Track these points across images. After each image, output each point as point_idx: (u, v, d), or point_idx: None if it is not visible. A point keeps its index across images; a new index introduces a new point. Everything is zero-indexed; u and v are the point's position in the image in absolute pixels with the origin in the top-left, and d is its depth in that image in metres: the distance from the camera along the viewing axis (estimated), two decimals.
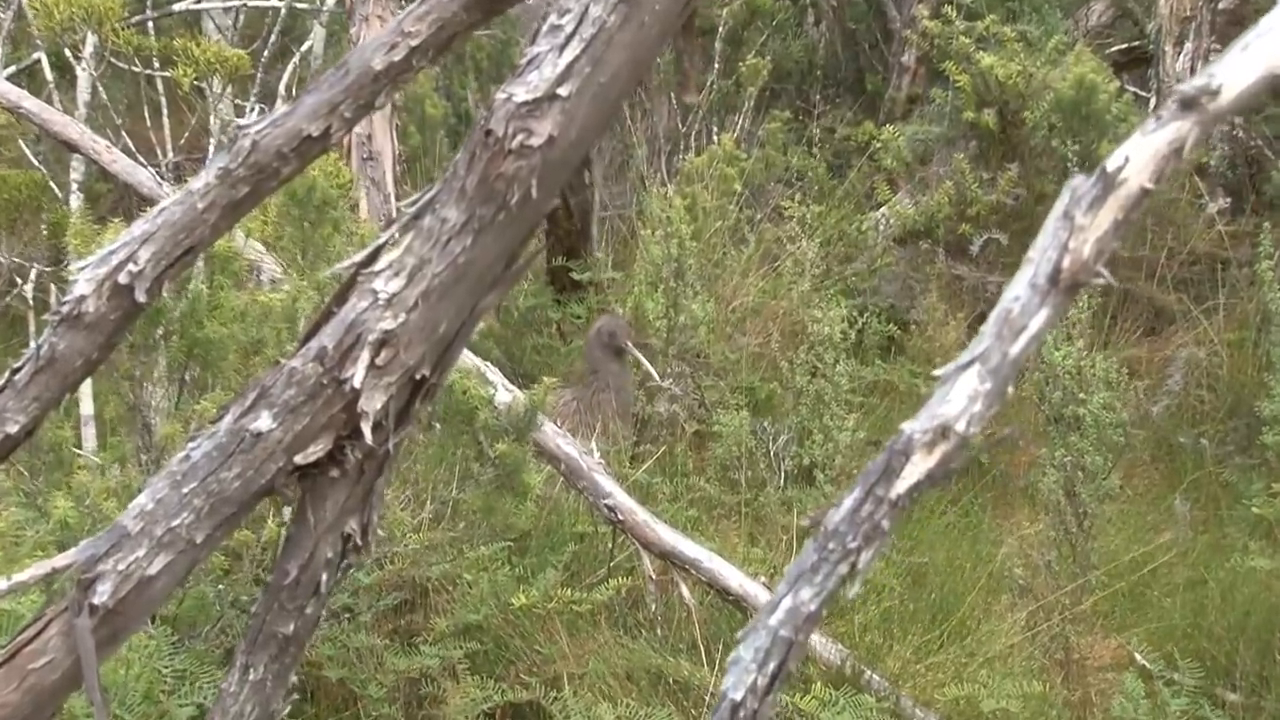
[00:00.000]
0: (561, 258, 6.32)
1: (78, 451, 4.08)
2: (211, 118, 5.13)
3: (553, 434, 4.43)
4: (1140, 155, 1.30)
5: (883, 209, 6.98)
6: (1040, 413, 4.92)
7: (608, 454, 5.00)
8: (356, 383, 1.71)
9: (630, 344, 5.48)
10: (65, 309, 1.80)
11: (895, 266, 6.82)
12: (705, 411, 5.73)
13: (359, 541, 1.81)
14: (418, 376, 1.75)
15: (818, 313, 5.64)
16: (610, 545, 4.44)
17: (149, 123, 6.53)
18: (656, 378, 5.46)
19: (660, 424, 5.63)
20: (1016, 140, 6.63)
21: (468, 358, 4.55)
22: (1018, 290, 1.32)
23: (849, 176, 7.43)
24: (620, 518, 4.26)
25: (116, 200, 6.87)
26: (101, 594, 1.73)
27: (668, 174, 7.35)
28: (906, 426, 1.33)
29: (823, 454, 5.25)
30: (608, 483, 4.34)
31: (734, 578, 4.19)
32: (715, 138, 7.50)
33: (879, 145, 6.99)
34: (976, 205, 6.49)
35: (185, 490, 1.74)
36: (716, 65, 7.74)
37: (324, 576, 1.82)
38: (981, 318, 6.58)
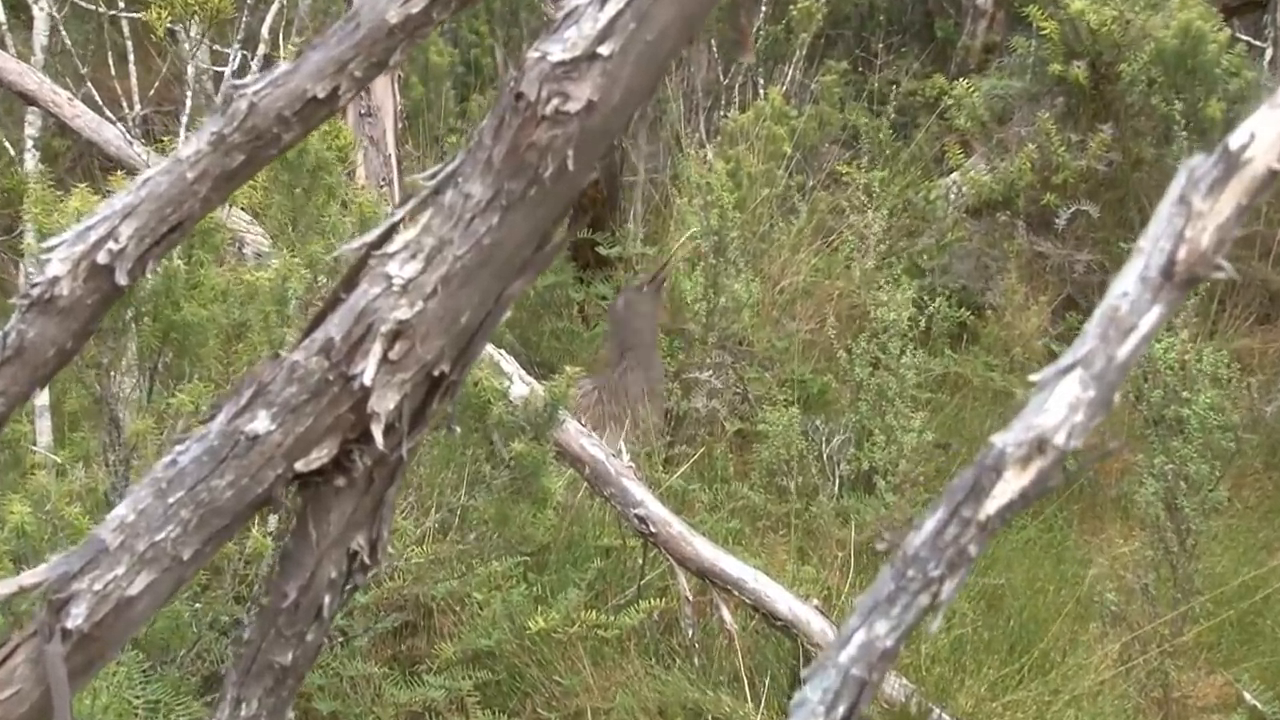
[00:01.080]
0: (586, 230, 6.35)
1: (33, 448, 4.12)
2: (188, 66, 5.16)
3: (576, 432, 4.45)
4: (1268, 131, 1.31)
5: (954, 175, 6.97)
6: (1137, 413, 4.93)
7: (639, 456, 5.03)
8: (367, 380, 1.73)
9: (656, 282, 5.53)
10: (36, 292, 1.82)
11: (968, 242, 6.81)
12: (749, 408, 5.75)
13: (367, 559, 1.84)
14: (436, 373, 1.77)
15: (880, 295, 5.66)
16: (641, 561, 4.46)
17: (113, 71, 6.57)
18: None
19: (698, 422, 5.66)
20: (1110, 97, 6.61)
21: None
22: (1126, 285, 1.33)
23: (916, 137, 7.42)
24: (652, 530, 4.28)
25: (75, 159, 6.92)
26: (75, 617, 1.75)
27: (707, 134, 7.36)
28: (998, 439, 1.34)
29: (884, 458, 5.26)
30: (638, 489, 4.36)
31: (782, 600, 4.21)
32: (762, 92, 7.51)
33: (950, 102, 6.98)
34: (1063, 172, 6.47)
35: (171, 500, 1.76)
36: (764, 8, 7.74)
37: (327, 599, 1.84)
38: (1068, 301, 6.58)
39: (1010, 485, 1.34)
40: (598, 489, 4.42)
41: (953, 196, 6.90)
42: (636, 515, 4.31)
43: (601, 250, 6.32)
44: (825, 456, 5.42)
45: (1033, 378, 1.35)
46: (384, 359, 1.74)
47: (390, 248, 1.75)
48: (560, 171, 1.70)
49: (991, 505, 1.34)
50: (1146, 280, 1.33)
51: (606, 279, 6.33)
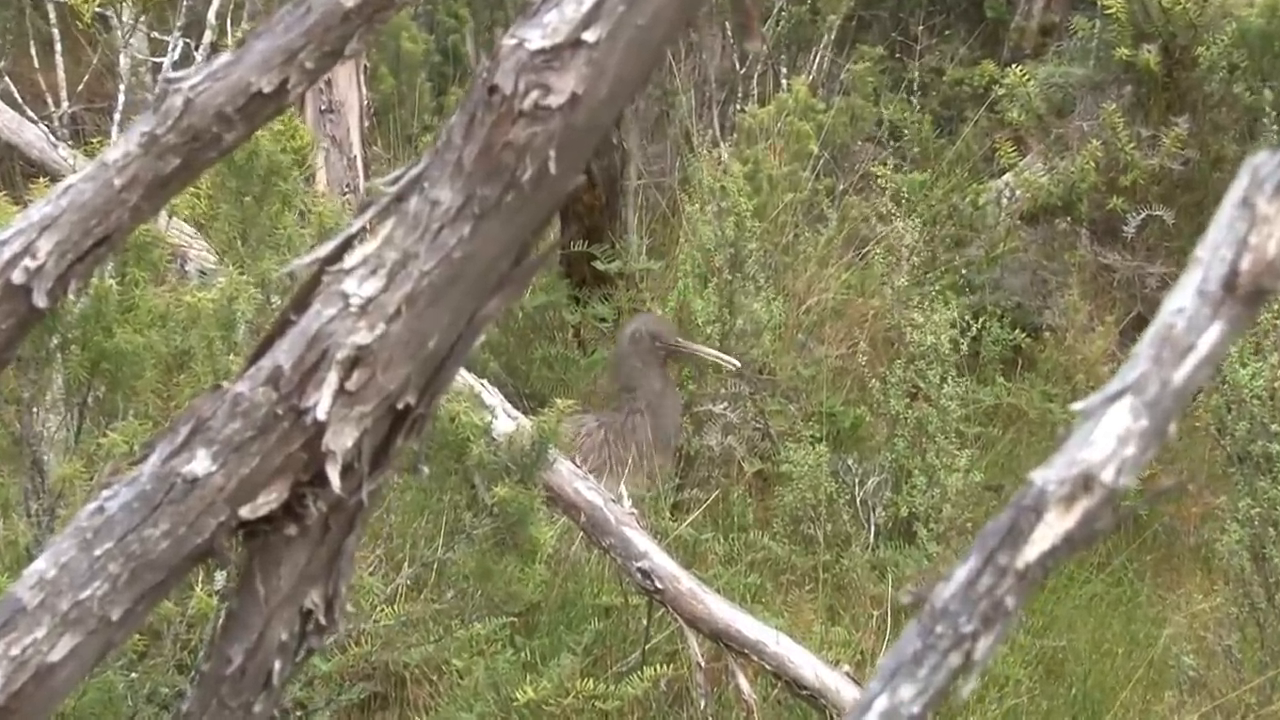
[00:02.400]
0: (581, 241, 6.36)
1: None
2: (121, 56, 5.19)
3: (569, 475, 4.46)
4: None
5: (1007, 177, 7.00)
6: (1219, 449, 4.93)
7: (642, 501, 5.04)
8: (321, 414, 1.75)
9: (681, 341, 5.52)
10: None
11: (1023, 253, 6.83)
12: (771, 445, 5.76)
13: (322, 619, 1.85)
14: (400, 405, 1.78)
15: (919, 315, 5.67)
16: (645, 622, 4.47)
17: (37, 63, 6.61)
18: (730, 362, 5.47)
19: (711, 461, 5.67)
20: (1186, 86, 6.63)
21: (459, 374, 4.59)
22: (1183, 300, 1.35)
23: (962, 134, 7.45)
24: (659, 586, 4.29)
25: None
26: None
27: (721, 131, 7.39)
28: (1038, 476, 1.36)
29: (926, 502, 5.27)
30: (642, 539, 4.38)
31: (808, 666, 4.22)
32: (784, 82, 7.54)
33: (1002, 92, 7.00)
34: (1132, 172, 6.50)
35: (98, 552, 1.78)
36: None
37: (276, 664, 1.86)
38: (1139, 321, 6.58)
39: (1052, 528, 1.35)
40: (595, 539, 4.43)
41: (1005, 201, 6.92)
42: (640, 569, 4.32)
43: (599, 265, 6.33)
44: (858, 501, 5.43)
45: (1077, 406, 1.37)
46: (340, 390, 1.75)
47: (347, 263, 1.77)
48: (541, 175, 1.72)
49: (1031, 551, 1.36)
50: (1205, 294, 1.34)
51: (605, 298, 6.33)
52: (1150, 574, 5.47)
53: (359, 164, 5.85)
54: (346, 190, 5.75)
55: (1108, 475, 1.34)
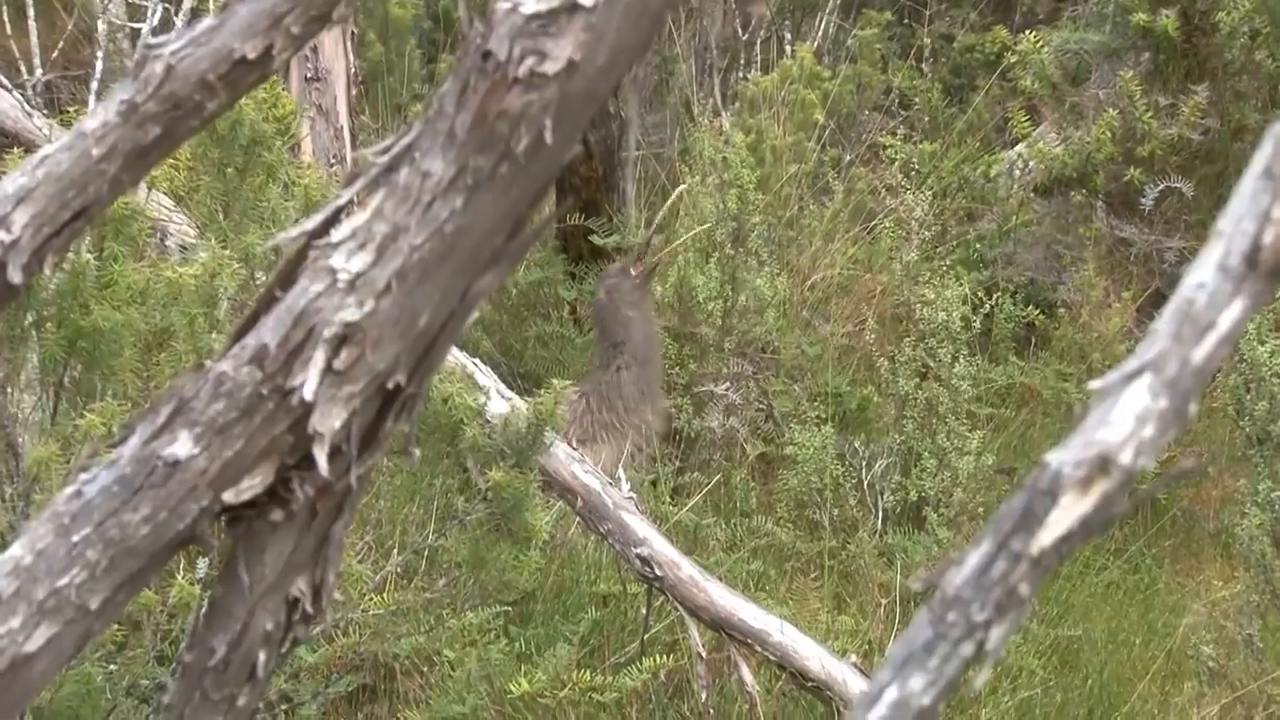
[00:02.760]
0: (577, 214, 6.36)
1: None
2: (99, 21, 5.19)
3: (566, 457, 4.47)
4: None
5: (1020, 147, 6.99)
6: (1239, 430, 4.94)
7: (642, 485, 5.04)
8: (308, 394, 1.75)
9: (643, 255, 5.56)
10: None
11: (1037, 227, 6.83)
12: (775, 427, 5.77)
13: (309, 608, 1.85)
14: (390, 385, 1.78)
15: (928, 291, 5.67)
16: (645, 611, 4.47)
17: (9, 28, 6.60)
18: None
19: (713, 444, 5.68)
20: (1206, 52, 6.63)
21: (451, 353, 4.59)
22: (1204, 275, 1.35)
23: (973, 102, 7.45)
24: (658, 573, 4.30)
25: None
26: None
27: (723, 100, 7.39)
28: (1053, 458, 1.36)
29: (936, 486, 5.27)
30: (641, 525, 4.38)
31: (814, 656, 4.23)
32: (789, 49, 7.53)
33: (1015, 59, 7.00)
34: (1150, 142, 6.49)
35: (76, 539, 1.78)
36: None
37: (261, 655, 1.86)
38: (1156, 297, 6.60)
39: (1068, 512, 1.35)
40: (592, 525, 4.44)
41: (1017, 173, 6.92)
42: (639, 556, 4.32)
43: (597, 240, 6.34)
44: (865, 485, 5.44)
45: (1094, 385, 1.37)
46: (328, 369, 1.75)
47: (334, 236, 1.76)
48: (536, 145, 1.71)
49: (1046, 536, 1.36)
50: (1227, 269, 1.34)
51: (602, 274, 6.33)
52: (1168, 560, 5.48)
53: (346, 134, 5.84)
54: (333, 161, 5.75)
55: (1126, 457, 1.34)
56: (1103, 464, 1.34)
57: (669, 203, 5.74)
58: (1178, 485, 5.61)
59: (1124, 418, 1.35)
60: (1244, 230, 1.34)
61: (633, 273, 5.57)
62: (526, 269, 6.33)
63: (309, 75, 5.76)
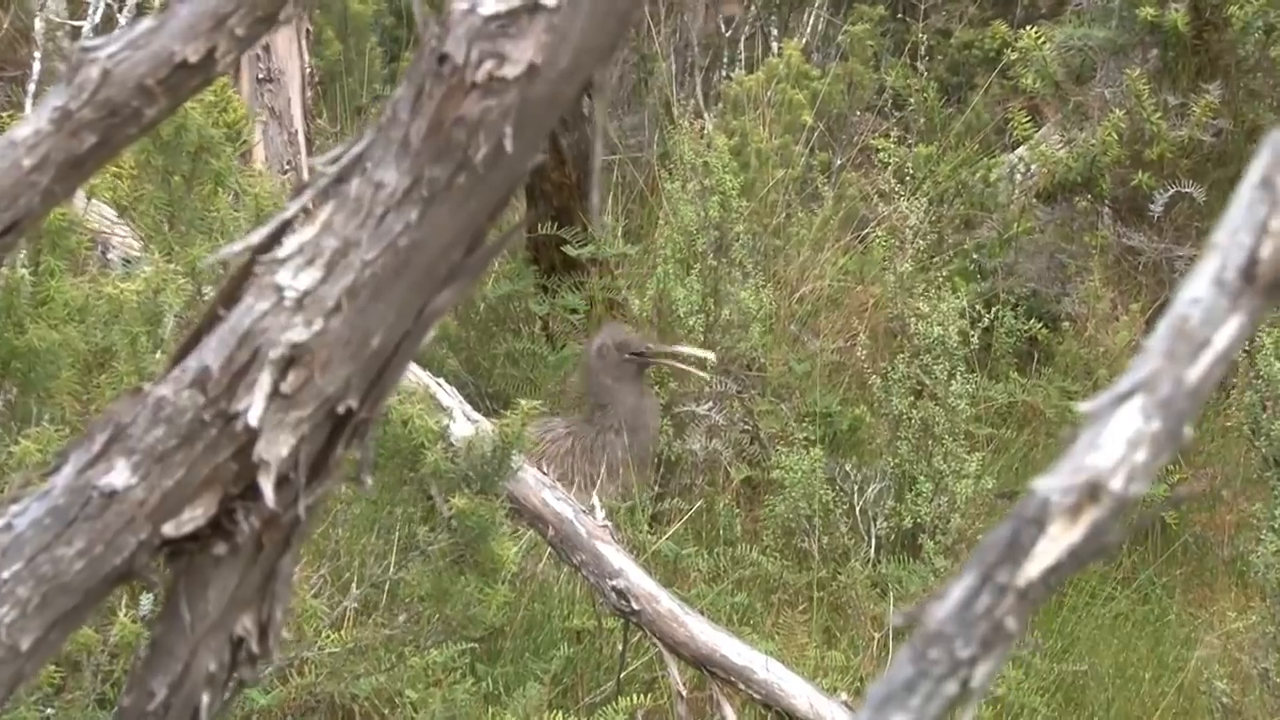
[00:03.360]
0: (549, 223, 6.36)
1: None
2: (36, 19, 5.20)
3: (536, 483, 4.47)
4: None
5: (1021, 150, 7.01)
6: (1254, 451, 4.95)
7: (618, 513, 5.04)
8: (253, 419, 1.75)
9: (652, 346, 5.52)
10: None
11: (1040, 235, 6.85)
12: (760, 449, 5.77)
13: (254, 648, 1.85)
14: (340, 409, 1.79)
15: (924, 304, 5.68)
16: (621, 647, 4.47)
17: None
18: (705, 357, 5.44)
19: (695, 468, 5.68)
20: (1218, 49, 6.65)
21: (411, 373, 4.60)
22: (1198, 290, 1.35)
23: (972, 102, 7.47)
24: (635, 607, 4.30)
25: None
26: None
27: (705, 100, 7.40)
28: (1040, 485, 1.36)
29: (932, 512, 5.28)
30: (617, 555, 4.38)
31: (802, 694, 4.23)
32: (775, 46, 7.55)
33: (1015, 56, 7.02)
34: (1159, 144, 6.51)
35: (6, 574, 1.78)
36: None
37: (205, 698, 1.86)
38: (1166, 309, 6.65)
39: (1056, 542, 1.36)
40: (565, 555, 4.44)
41: (1019, 178, 6.93)
42: (614, 588, 4.32)
43: (570, 250, 6.33)
44: (857, 511, 5.44)
45: (1084, 407, 1.37)
46: (274, 393, 1.76)
47: (282, 251, 1.77)
48: (496, 153, 1.72)
49: (1033, 567, 1.36)
50: (1223, 284, 1.35)
51: (576, 286, 6.33)
52: (1180, 590, 5.49)
53: (301, 139, 5.84)
54: (287, 168, 5.75)
55: (1117, 483, 1.35)
56: (1092, 491, 1.35)
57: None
58: (1188, 510, 5.61)
59: (1115, 442, 1.35)
60: (1240, 243, 1.35)
61: (632, 341, 5.50)
62: (495, 282, 6.32)
63: (261, 76, 5.76)
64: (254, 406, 1.75)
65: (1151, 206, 6.49)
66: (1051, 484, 1.36)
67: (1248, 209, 1.35)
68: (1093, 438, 1.36)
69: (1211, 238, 1.37)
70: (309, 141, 5.92)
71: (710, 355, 5.46)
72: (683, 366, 5.54)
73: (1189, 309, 1.36)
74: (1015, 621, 1.38)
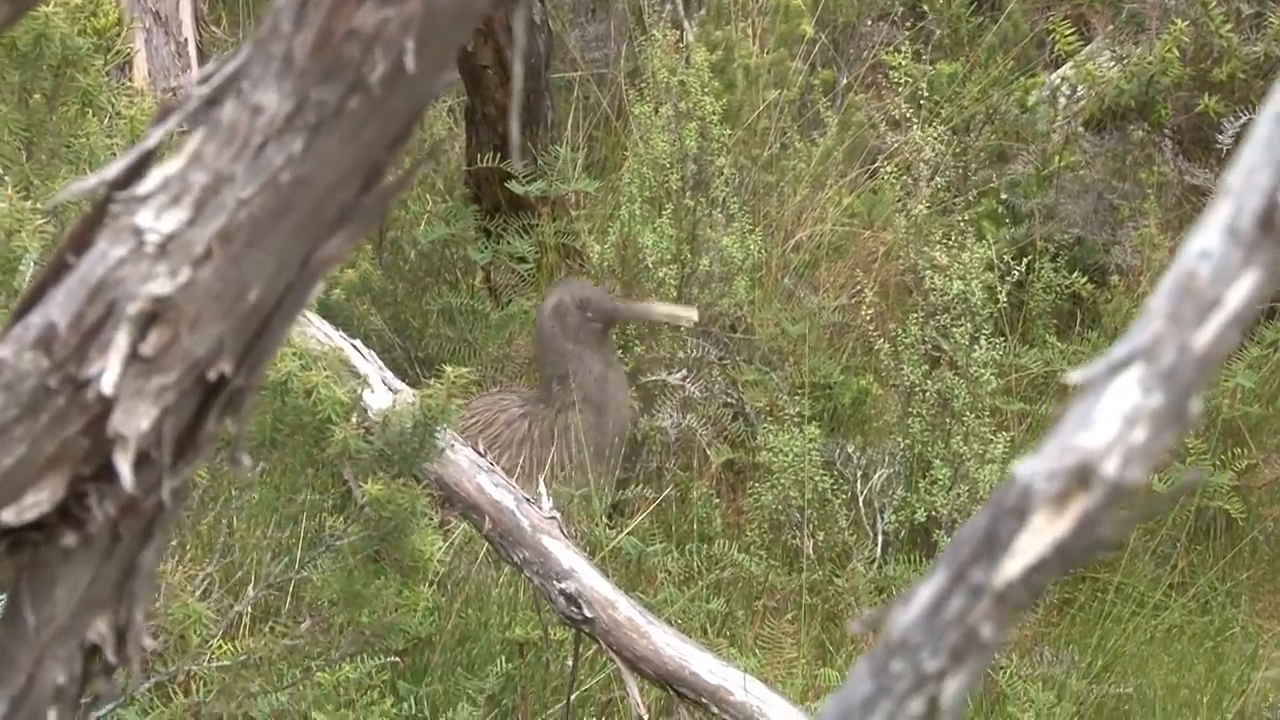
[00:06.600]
0: (492, 154, 6.36)
1: None
2: None
3: (470, 466, 4.48)
4: None
5: (1064, 69, 7.02)
6: None
7: (569, 501, 5.06)
8: (107, 387, 1.77)
9: (622, 305, 5.53)
10: None
11: (1086, 171, 6.86)
12: (745, 427, 5.79)
13: (111, 656, 1.88)
14: (212, 375, 1.80)
15: (943, 254, 5.69)
16: (572, 663, 4.49)
17: None
18: (687, 317, 5.44)
19: (665, 449, 5.69)
20: None
21: (322, 332, 4.61)
22: (1208, 241, 1.37)
23: (1006, 9, 7.47)
24: (588, 614, 4.32)
25: None
26: None
27: (683, 6, 7.40)
28: (1022, 469, 1.38)
29: (950, 503, 5.29)
30: (567, 553, 4.40)
31: (785, 718, 4.26)
32: None
33: None
34: (1229, 63, 6.54)
35: None
36: None
37: (52, 715, 1.89)
38: None
39: (1040, 536, 1.38)
40: (504, 553, 4.45)
41: (1062, 101, 6.94)
42: (563, 592, 4.34)
43: (517, 187, 6.33)
44: (860, 501, 5.46)
45: (1074, 377, 1.39)
46: (132, 355, 1.77)
47: (142, 188, 1.78)
48: (395, 72, 1.73)
49: (1013, 565, 1.38)
50: (1237, 234, 1.37)
51: (525, 230, 6.33)
52: (1246, 598, 5.50)
53: (191, 49, 5.83)
54: (174, 86, 5.74)
55: (1110, 467, 1.36)
56: (1082, 475, 1.36)
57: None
58: (1257, 502, 5.63)
59: (1109, 418, 1.37)
60: (1258, 186, 1.36)
61: (596, 298, 5.50)
62: (428, 224, 6.31)
63: None
64: (108, 371, 1.76)
65: (1219, 138, 6.51)
66: (1035, 468, 1.38)
67: (1266, 146, 1.36)
68: (1083, 414, 1.38)
69: (1223, 179, 1.39)
70: (201, 53, 5.92)
71: (693, 313, 5.46)
72: (660, 319, 5.53)
73: (1196, 264, 1.37)
74: (991, 629, 1.39)
